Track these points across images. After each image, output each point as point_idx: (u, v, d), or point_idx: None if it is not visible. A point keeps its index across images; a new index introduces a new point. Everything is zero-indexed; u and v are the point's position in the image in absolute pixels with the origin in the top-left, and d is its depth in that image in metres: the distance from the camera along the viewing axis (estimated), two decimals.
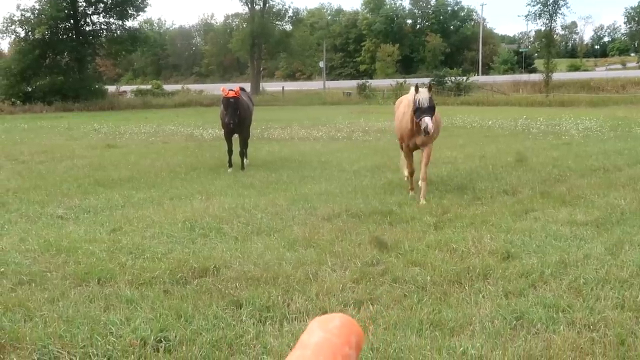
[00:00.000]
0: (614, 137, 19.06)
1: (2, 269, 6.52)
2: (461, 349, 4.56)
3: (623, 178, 11.50)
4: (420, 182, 10.19)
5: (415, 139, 10.15)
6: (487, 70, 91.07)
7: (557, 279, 6.01)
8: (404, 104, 10.52)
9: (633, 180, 11.23)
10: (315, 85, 70.00)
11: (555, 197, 9.79)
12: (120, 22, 53.31)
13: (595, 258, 6.57)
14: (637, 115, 27.79)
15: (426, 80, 55.75)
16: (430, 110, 9.59)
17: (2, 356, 4.53)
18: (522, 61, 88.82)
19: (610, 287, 5.74)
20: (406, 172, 11.07)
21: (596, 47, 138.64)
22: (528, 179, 11.58)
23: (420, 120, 9.49)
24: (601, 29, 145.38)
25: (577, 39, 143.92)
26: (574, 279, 5.96)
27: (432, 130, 9.44)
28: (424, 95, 9.65)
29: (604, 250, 6.85)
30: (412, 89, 10.04)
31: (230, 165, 14.12)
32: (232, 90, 13.56)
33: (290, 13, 67.22)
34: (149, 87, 57.87)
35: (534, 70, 75.12)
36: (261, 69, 69.79)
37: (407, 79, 57.63)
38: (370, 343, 4.67)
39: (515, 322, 5.05)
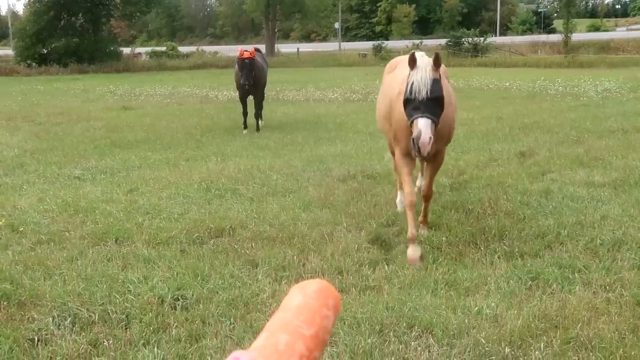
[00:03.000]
0: (633, 99, 18.77)
1: (22, 229, 6.61)
2: (476, 308, 4.58)
3: None
4: (422, 203, 6.53)
5: None
6: (505, 30, 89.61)
7: (574, 240, 5.99)
8: (399, 76, 6.16)
9: None
10: (330, 46, 69.31)
11: (572, 158, 9.70)
12: None
13: (613, 219, 6.53)
14: None
15: (442, 41, 55.10)
16: (432, 105, 5.32)
17: (22, 313, 4.62)
18: (540, 21, 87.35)
19: (627, 248, 5.72)
20: (400, 199, 7.16)
21: (617, 6, 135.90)
22: (545, 140, 11.48)
23: (412, 123, 5.33)
24: None
25: None
26: (591, 240, 5.94)
27: (427, 149, 5.21)
28: (422, 75, 5.37)
29: (621, 212, 6.80)
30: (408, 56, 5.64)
31: (246, 127, 14.13)
32: (247, 51, 13.48)
33: None
34: (163, 48, 57.58)
35: (552, 31, 73.85)
36: (276, 30, 69.11)
37: (423, 40, 56.97)
38: (386, 302, 4.70)
39: (530, 282, 5.05)
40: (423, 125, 5.17)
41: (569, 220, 6.51)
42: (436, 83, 5.34)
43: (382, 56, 51.20)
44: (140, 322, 4.46)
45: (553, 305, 4.62)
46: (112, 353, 4.05)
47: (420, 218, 6.46)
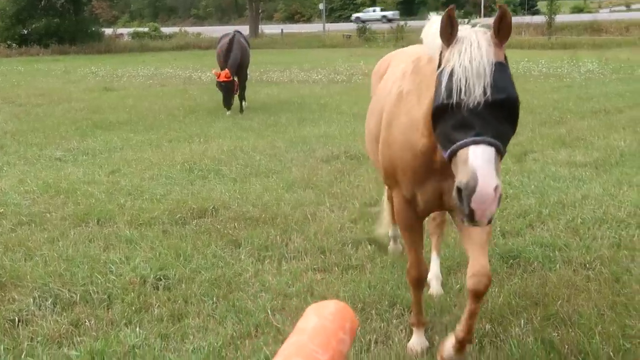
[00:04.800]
0: (615, 80, 18.88)
1: (2, 210, 6.55)
2: (458, 286, 4.62)
3: (624, 120, 11.44)
4: (457, 333, 3.42)
5: (438, 185, 3.32)
6: (490, 12, 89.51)
7: (555, 219, 6.03)
8: (398, 70, 3.80)
9: (633, 122, 11.18)
10: (314, 27, 68.92)
11: (555, 138, 9.76)
12: None
13: (594, 198, 6.59)
14: None
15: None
16: (498, 117, 2.67)
17: (3, 294, 4.59)
18: (525, 3, 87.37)
19: (607, 226, 5.78)
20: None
21: None
22: (528, 121, 11.51)
23: (455, 155, 2.67)
24: None
25: None
26: (572, 219, 5.99)
27: (493, 212, 2.65)
28: (474, 53, 2.74)
29: (602, 191, 6.86)
30: (428, 31, 3.18)
31: (229, 108, 14.07)
32: (221, 72, 13.53)
33: None
34: (146, 29, 57.02)
35: (536, 12, 73.86)
36: (260, 11, 68.59)
37: (407, 22, 56.79)
38: (368, 281, 4.72)
39: (511, 260, 5.09)
40: (481, 162, 2.55)
41: (551, 200, 6.56)
42: (503, 70, 2.76)
43: (367, 37, 51.07)
44: (122, 302, 4.45)
45: (534, 283, 4.66)
46: (93, 333, 4.04)
47: (459, 331, 3.40)
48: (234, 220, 6.16)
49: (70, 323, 4.17)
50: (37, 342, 3.93)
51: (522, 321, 4.07)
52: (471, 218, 2.64)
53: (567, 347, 3.76)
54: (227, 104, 13.44)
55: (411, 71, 3.41)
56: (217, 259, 5.21)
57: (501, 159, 2.66)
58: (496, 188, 2.54)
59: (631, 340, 3.82)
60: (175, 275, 4.87)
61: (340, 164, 8.45)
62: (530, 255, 5.14)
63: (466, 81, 2.67)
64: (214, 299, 4.52)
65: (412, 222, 3.64)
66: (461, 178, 2.59)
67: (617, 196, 6.68)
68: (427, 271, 3.86)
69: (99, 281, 4.75)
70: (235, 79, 14.16)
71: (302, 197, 6.93)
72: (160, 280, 4.79)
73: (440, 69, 2.82)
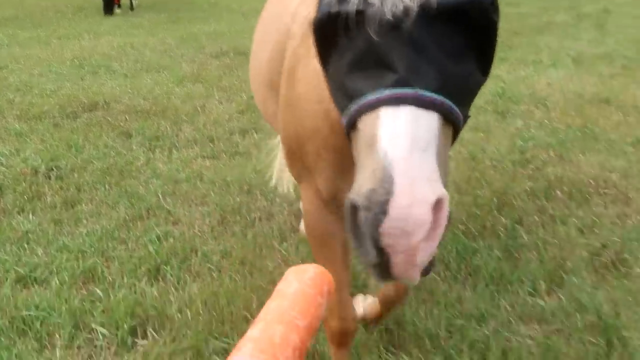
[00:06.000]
0: (502, 3, 19.44)
1: None
2: None
3: None
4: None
5: None
6: None
7: None
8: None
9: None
10: None
11: None
12: None
13: None
14: None
15: None
16: (457, 42, 1.25)
17: None
18: None
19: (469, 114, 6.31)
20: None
21: None
22: None
23: (354, 127, 1.29)
24: None
25: None
26: None
27: (428, 256, 1.18)
28: None
29: None
30: None
31: (119, 6, 13.72)
32: None
33: None
34: None
35: None
36: None
37: None
38: (254, 166, 5.05)
39: None
40: (404, 144, 1.16)
41: None
42: None
43: None
44: (14, 191, 4.57)
45: None
46: None
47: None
48: (125, 113, 6.31)
49: None
50: None
51: None
52: (383, 270, 1.25)
53: None
54: (107, 11, 13.03)
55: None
56: (108, 149, 5.38)
57: (456, 135, 1.35)
58: (438, 203, 1.17)
59: (481, 208, 4.37)
60: (67, 165, 5.02)
61: (229, 59, 8.63)
62: None
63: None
64: (106, 186, 4.71)
65: (330, 235, 2.14)
66: (361, 184, 1.22)
67: None
68: (355, 321, 2.34)
69: None
70: None
71: (192, 90, 7.12)
72: (52, 170, 4.93)
73: None
